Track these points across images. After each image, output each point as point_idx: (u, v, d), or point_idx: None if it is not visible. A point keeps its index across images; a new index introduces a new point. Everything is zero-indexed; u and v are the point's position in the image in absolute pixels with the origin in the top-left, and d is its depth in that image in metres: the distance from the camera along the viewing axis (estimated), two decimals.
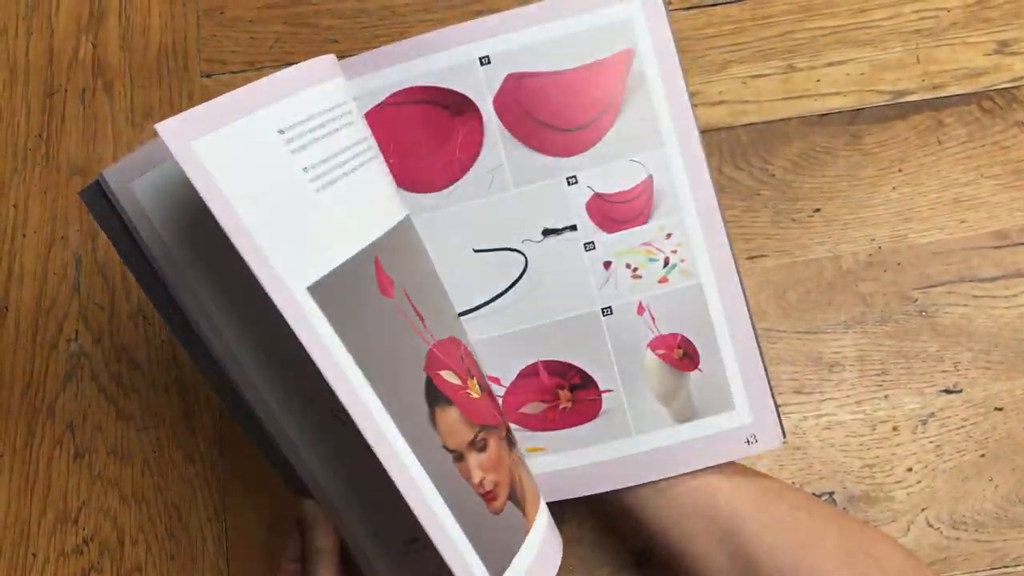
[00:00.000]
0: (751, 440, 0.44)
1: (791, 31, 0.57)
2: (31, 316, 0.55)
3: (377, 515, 0.42)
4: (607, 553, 0.51)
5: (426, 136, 0.43)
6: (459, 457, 0.38)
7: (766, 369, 0.44)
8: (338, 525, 0.42)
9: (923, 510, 0.51)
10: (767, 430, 0.44)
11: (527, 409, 0.45)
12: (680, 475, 0.43)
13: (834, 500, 0.51)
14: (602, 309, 0.44)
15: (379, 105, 0.43)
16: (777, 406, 0.44)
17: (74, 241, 0.56)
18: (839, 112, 0.56)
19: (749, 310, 0.44)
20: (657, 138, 0.43)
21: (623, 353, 0.44)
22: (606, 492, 0.44)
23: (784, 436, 0.44)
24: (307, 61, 0.37)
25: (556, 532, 0.44)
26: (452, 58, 0.43)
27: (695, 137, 0.43)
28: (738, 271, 0.44)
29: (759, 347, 0.44)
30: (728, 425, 0.44)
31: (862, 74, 0.56)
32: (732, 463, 0.45)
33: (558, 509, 0.44)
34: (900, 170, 0.55)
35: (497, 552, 0.38)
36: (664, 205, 0.44)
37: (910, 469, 0.51)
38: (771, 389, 0.44)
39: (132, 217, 0.37)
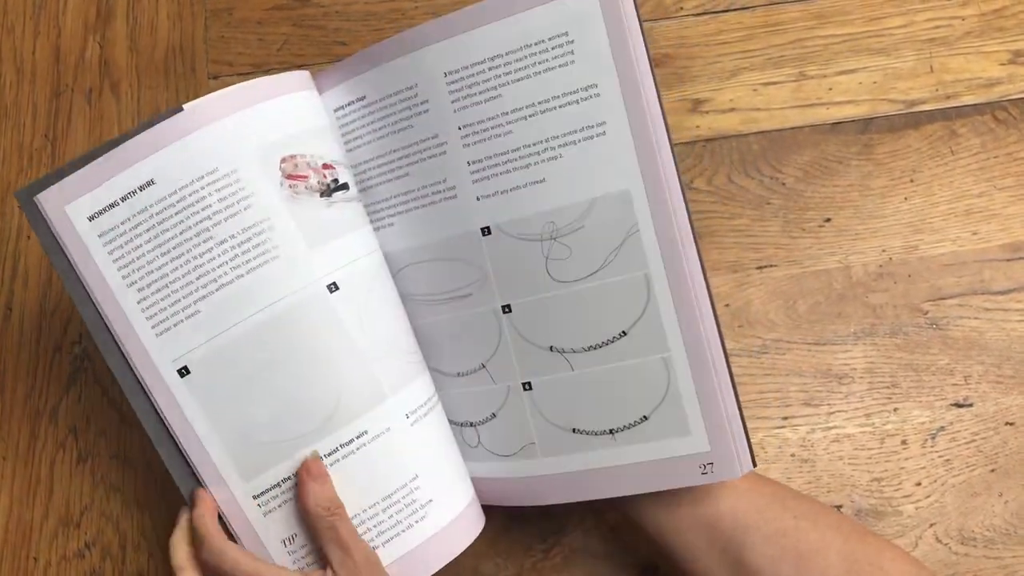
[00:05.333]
0: (706, 470, 0.41)
1: (803, 38, 0.56)
2: (35, 319, 0.54)
3: None
4: (614, 564, 0.51)
5: None
6: None
7: (736, 394, 0.41)
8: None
9: (932, 525, 0.50)
10: (725, 460, 0.41)
11: None
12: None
13: (842, 513, 0.50)
14: None
15: None
16: (748, 434, 0.41)
17: None
18: (851, 121, 0.55)
19: (718, 326, 0.41)
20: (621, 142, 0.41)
21: None
22: (558, 504, 0.44)
23: (753, 465, 0.41)
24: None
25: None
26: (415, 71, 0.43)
27: (666, 147, 0.41)
28: (705, 278, 0.41)
29: (729, 369, 0.41)
30: (681, 451, 0.41)
31: (875, 83, 0.55)
32: None
33: (564, 520, 0.44)
34: (912, 180, 0.54)
35: None
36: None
37: (919, 483, 0.51)
38: (741, 415, 0.41)
39: (67, 242, 0.41)
